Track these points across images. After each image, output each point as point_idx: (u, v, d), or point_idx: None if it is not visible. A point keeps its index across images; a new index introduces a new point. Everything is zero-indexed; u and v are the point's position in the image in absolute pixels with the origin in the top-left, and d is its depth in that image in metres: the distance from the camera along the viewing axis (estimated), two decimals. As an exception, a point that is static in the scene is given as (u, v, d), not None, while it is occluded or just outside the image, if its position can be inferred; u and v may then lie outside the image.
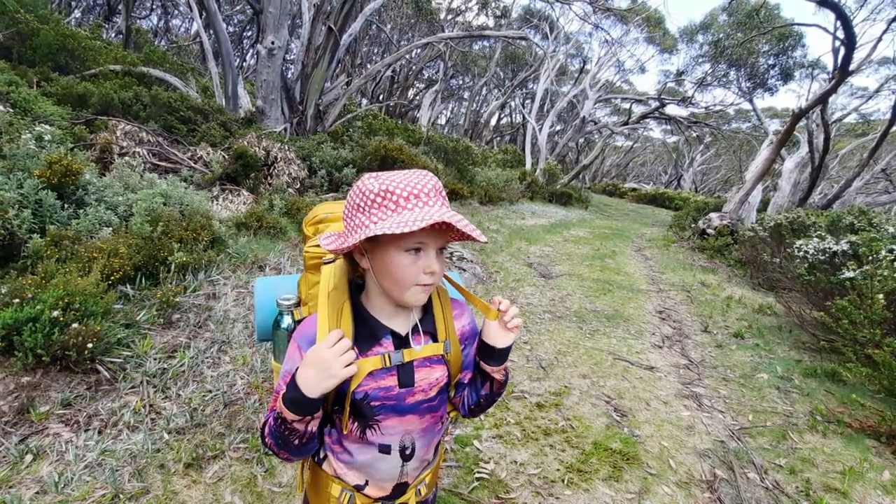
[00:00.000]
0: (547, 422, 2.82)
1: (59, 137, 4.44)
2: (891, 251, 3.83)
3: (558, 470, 2.40)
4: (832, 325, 3.80)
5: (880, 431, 3.02)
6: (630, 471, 2.46)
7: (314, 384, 0.79)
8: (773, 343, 4.65)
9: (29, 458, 1.94)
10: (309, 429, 0.85)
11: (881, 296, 3.33)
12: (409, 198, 0.79)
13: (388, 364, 0.90)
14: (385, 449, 0.95)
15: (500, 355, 0.98)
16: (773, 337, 4.84)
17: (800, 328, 4.92)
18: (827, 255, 4.74)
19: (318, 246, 1.03)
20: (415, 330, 0.95)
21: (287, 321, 1.10)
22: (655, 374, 3.69)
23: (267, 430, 0.88)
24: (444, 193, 0.84)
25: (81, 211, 3.45)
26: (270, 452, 0.93)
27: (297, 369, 0.81)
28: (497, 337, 0.97)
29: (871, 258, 3.80)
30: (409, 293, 0.86)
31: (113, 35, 16.37)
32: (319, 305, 0.90)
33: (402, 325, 0.94)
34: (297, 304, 1.12)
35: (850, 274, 3.91)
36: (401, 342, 0.93)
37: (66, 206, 3.47)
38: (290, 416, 0.82)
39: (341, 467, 0.98)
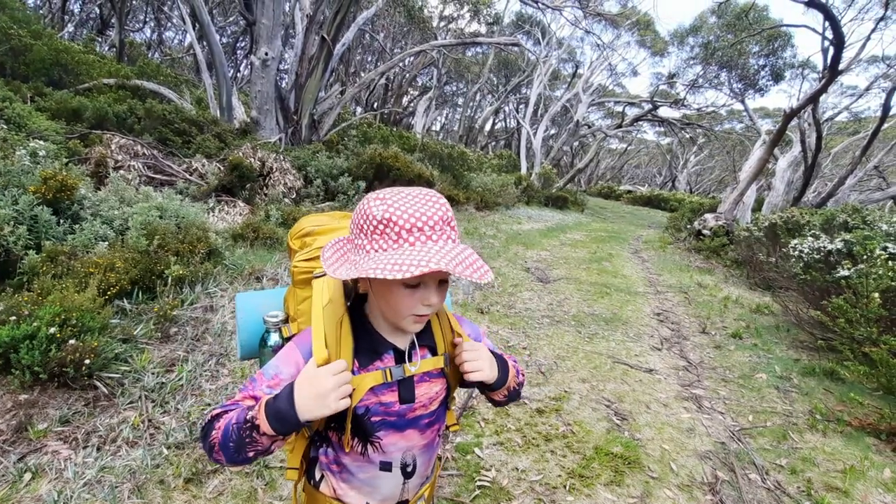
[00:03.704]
0: (547, 427, 2.82)
1: (54, 152, 4.44)
2: (885, 249, 3.86)
3: (560, 476, 2.39)
4: (829, 323, 3.82)
5: (880, 429, 3.03)
6: (632, 475, 2.46)
7: (309, 408, 0.76)
8: (771, 343, 4.67)
9: (28, 476, 1.92)
10: (272, 448, 0.80)
11: (876, 294, 3.35)
12: (412, 230, 0.75)
13: (388, 379, 0.89)
14: (386, 466, 0.94)
15: (487, 386, 0.96)
16: (770, 337, 4.86)
17: (797, 327, 4.94)
18: (822, 253, 4.77)
19: (307, 260, 1.01)
20: (414, 345, 0.94)
21: (274, 339, 1.05)
22: (655, 376, 3.70)
23: (222, 423, 0.80)
24: (452, 223, 0.80)
25: (77, 226, 3.44)
26: (205, 447, 0.82)
27: (293, 384, 0.78)
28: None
29: (865, 257, 3.83)
30: (404, 321, 0.85)
31: (106, 48, 16.41)
32: (313, 320, 0.87)
33: (402, 339, 0.93)
34: (286, 321, 1.07)
35: (846, 273, 3.94)
36: (401, 357, 0.92)
37: (61, 221, 3.46)
38: (266, 427, 0.76)
39: (342, 487, 0.96)
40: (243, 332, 1.12)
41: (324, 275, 0.94)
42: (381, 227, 0.75)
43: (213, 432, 0.80)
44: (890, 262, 3.56)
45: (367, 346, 0.90)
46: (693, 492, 2.39)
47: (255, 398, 0.83)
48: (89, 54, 10.22)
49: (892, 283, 3.42)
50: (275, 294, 1.19)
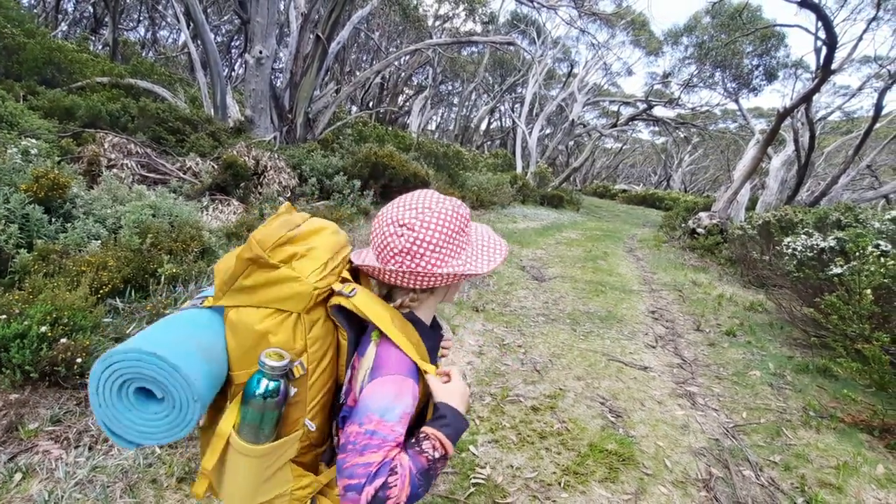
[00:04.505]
0: (542, 425, 2.82)
1: (46, 151, 4.41)
2: (877, 247, 3.89)
3: (554, 473, 2.39)
4: (822, 320, 3.84)
5: (873, 425, 3.05)
6: (626, 471, 2.46)
7: (465, 411, 0.89)
8: (764, 340, 4.69)
9: (18, 476, 1.90)
10: None
11: (869, 291, 3.37)
12: None
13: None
14: None
15: None
16: (764, 334, 4.88)
17: (791, 325, 4.97)
18: (815, 251, 4.80)
19: (324, 278, 0.86)
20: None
21: (273, 385, 0.80)
22: (649, 374, 3.71)
23: (399, 484, 0.76)
24: None
25: (69, 224, 3.42)
26: None
27: (451, 407, 0.86)
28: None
29: (857, 254, 3.85)
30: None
31: (100, 47, 16.29)
32: (399, 341, 0.86)
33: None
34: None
35: (838, 270, 3.96)
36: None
37: (53, 220, 3.43)
38: (452, 449, 0.83)
39: None
40: (200, 383, 0.75)
41: (355, 291, 0.87)
42: (468, 218, 0.96)
43: (391, 501, 0.75)
44: (882, 259, 3.59)
45: (430, 345, 0.97)
46: (687, 488, 2.40)
47: (399, 444, 0.81)
48: (83, 53, 10.14)
49: (884, 280, 3.44)
50: (190, 326, 0.83)
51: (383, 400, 0.80)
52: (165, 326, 0.82)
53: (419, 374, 0.88)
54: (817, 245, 4.77)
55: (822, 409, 3.30)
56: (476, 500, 2.16)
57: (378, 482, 0.75)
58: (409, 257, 0.87)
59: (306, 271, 0.84)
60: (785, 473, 2.59)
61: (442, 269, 0.88)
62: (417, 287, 0.91)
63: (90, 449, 2.10)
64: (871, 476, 2.62)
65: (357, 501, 0.74)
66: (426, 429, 0.82)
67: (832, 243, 4.61)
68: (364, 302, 0.86)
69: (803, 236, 5.13)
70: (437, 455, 0.80)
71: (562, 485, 2.31)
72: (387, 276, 0.91)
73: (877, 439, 2.98)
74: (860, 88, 16.68)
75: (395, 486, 0.75)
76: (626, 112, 22.79)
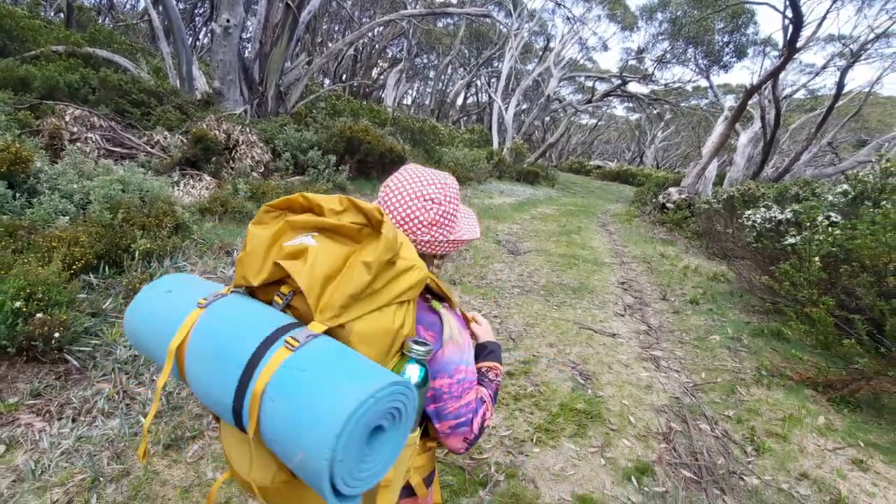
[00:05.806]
0: (517, 388, 2.97)
1: (5, 124, 4.23)
2: (827, 217, 4.13)
3: (527, 430, 2.55)
4: (776, 287, 4.09)
5: (817, 382, 3.32)
6: (593, 427, 2.64)
7: None
8: (725, 307, 4.96)
9: (2, 448, 1.93)
10: None
11: (817, 258, 3.60)
12: None
13: None
14: None
15: None
16: (725, 302, 5.16)
17: (749, 293, 5.26)
18: (773, 223, 5.05)
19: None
20: None
21: (424, 372, 0.79)
22: (617, 340, 3.90)
23: (486, 409, 0.97)
24: None
25: (35, 200, 3.33)
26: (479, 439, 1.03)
27: (491, 342, 1.15)
28: None
29: (809, 224, 4.09)
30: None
31: (52, 13, 15.32)
32: (453, 302, 0.99)
33: None
34: None
35: (792, 240, 4.20)
36: None
37: (17, 195, 3.34)
38: (503, 368, 1.10)
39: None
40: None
41: None
42: None
43: (487, 422, 0.98)
44: (830, 229, 3.82)
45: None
46: (649, 441, 2.59)
47: (477, 381, 0.99)
48: (35, 20, 9.56)
49: (832, 249, 3.68)
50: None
51: (462, 353, 0.93)
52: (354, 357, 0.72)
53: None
54: (775, 217, 5.02)
55: (773, 368, 3.55)
56: (453, 456, 2.29)
57: (480, 412, 0.95)
58: (435, 228, 0.97)
59: (413, 257, 0.82)
60: (737, 426, 2.82)
61: (454, 235, 1.01)
62: (439, 253, 1.04)
63: (73, 420, 2.13)
64: (812, 426, 2.87)
65: (468, 433, 0.92)
66: (485, 364, 1.06)
67: (789, 215, 4.86)
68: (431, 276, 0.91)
69: (763, 209, 5.38)
70: (499, 379, 1.06)
71: (534, 441, 2.46)
72: (419, 247, 0.99)
73: (820, 394, 3.24)
74: (824, 67, 17.14)
75: (487, 410, 0.97)
76: (602, 88, 22.90)
